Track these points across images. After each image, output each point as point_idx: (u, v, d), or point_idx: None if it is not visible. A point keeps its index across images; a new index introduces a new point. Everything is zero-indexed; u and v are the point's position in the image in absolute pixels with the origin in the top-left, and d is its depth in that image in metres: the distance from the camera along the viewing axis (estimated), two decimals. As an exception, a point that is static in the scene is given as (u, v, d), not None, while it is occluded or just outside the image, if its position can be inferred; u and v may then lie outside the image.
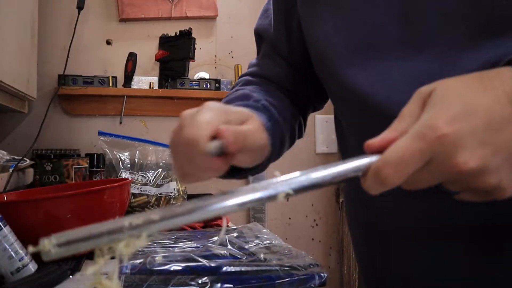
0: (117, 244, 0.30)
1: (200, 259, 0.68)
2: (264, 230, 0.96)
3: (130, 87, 1.59)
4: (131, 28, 1.66)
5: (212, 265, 0.67)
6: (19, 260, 0.67)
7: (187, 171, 0.41)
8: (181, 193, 1.27)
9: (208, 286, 0.64)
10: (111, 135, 1.34)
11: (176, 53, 1.57)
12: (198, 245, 0.80)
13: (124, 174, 1.26)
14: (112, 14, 1.64)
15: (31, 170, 1.22)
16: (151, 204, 1.20)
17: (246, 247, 0.79)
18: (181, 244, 0.81)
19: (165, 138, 1.64)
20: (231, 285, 0.65)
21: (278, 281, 0.66)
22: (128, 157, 1.30)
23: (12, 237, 0.68)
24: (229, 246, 0.77)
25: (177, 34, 1.58)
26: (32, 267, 0.68)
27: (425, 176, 0.32)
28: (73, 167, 1.18)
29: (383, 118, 0.46)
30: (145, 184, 1.24)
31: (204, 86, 1.63)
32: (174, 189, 1.25)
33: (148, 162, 1.30)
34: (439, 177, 0.32)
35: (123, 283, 0.60)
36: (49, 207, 0.77)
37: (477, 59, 0.42)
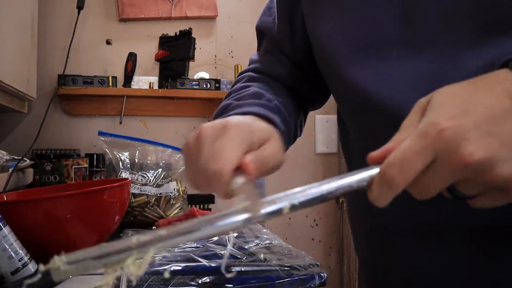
0: (125, 262, 0.30)
1: (200, 259, 0.68)
2: (264, 230, 0.96)
3: (130, 87, 1.58)
4: (131, 28, 1.66)
5: (212, 265, 0.67)
6: (19, 260, 0.67)
7: (202, 187, 0.41)
8: (181, 193, 1.27)
9: (208, 286, 0.64)
10: (111, 135, 1.34)
11: (176, 53, 1.57)
12: (198, 245, 0.80)
13: (124, 174, 1.26)
14: (112, 14, 1.64)
15: (31, 170, 1.22)
16: (151, 204, 1.20)
17: (246, 247, 0.79)
18: (181, 244, 0.81)
19: (165, 138, 1.65)
20: (231, 285, 0.65)
21: (278, 281, 0.66)
22: (128, 157, 1.30)
23: (12, 237, 0.68)
24: (229, 246, 0.77)
25: (177, 34, 1.58)
26: (32, 267, 0.68)
27: (433, 178, 0.31)
28: (73, 167, 1.18)
29: (385, 117, 0.46)
30: (145, 184, 1.24)
31: (204, 86, 1.63)
32: (174, 189, 1.25)
33: (148, 162, 1.30)
34: (447, 176, 0.31)
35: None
36: (49, 207, 0.77)
37: (477, 59, 0.42)
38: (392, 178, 0.31)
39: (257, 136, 0.42)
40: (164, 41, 1.59)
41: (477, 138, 0.30)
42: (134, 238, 0.30)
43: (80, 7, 1.53)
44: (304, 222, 1.80)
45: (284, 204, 0.33)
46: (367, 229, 0.58)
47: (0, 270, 0.66)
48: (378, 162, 0.33)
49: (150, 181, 1.25)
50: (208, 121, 0.63)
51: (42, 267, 0.30)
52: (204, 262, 0.68)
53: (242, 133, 0.41)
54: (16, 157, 1.16)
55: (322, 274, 0.70)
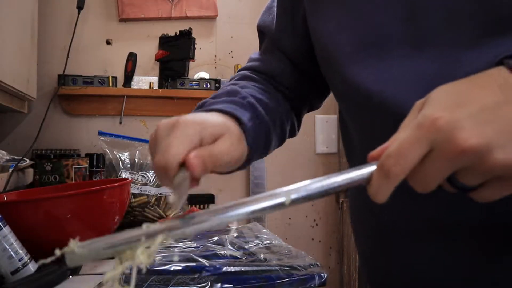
0: (135, 251, 0.31)
1: (200, 259, 0.68)
2: (264, 230, 0.96)
3: (130, 87, 1.58)
4: (131, 28, 1.66)
5: (212, 265, 0.67)
6: (19, 260, 0.67)
7: (159, 180, 0.44)
8: (181, 193, 1.27)
9: (208, 286, 0.64)
10: (111, 135, 1.34)
11: (176, 53, 1.57)
12: (198, 245, 0.80)
13: (124, 174, 1.26)
14: (112, 14, 1.64)
15: (31, 170, 1.22)
16: (151, 204, 1.20)
17: (246, 247, 0.79)
18: (181, 244, 0.81)
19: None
20: (231, 285, 0.65)
21: (278, 281, 0.66)
22: (128, 157, 1.30)
23: (12, 237, 0.68)
24: (229, 246, 0.77)
25: (177, 34, 1.58)
26: (32, 267, 0.68)
27: (431, 167, 0.31)
28: (73, 167, 1.18)
29: (386, 116, 0.46)
30: (145, 184, 1.24)
31: (204, 86, 1.63)
32: (174, 189, 1.25)
33: (148, 162, 1.30)
34: (445, 165, 0.31)
35: (123, 283, 0.60)
36: (49, 207, 0.77)
37: (479, 58, 0.42)
38: (390, 169, 0.31)
39: (208, 132, 0.44)
40: (164, 41, 1.59)
41: (472, 125, 0.30)
42: (144, 225, 0.32)
43: (80, 7, 1.53)
44: (304, 222, 1.80)
45: (286, 197, 0.33)
46: (368, 228, 0.58)
47: (0, 270, 0.66)
48: (377, 160, 0.34)
49: (150, 181, 1.25)
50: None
51: (57, 252, 0.31)
52: (204, 262, 0.68)
53: (190, 129, 0.43)
54: (16, 157, 1.16)
55: (322, 274, 0.70)
